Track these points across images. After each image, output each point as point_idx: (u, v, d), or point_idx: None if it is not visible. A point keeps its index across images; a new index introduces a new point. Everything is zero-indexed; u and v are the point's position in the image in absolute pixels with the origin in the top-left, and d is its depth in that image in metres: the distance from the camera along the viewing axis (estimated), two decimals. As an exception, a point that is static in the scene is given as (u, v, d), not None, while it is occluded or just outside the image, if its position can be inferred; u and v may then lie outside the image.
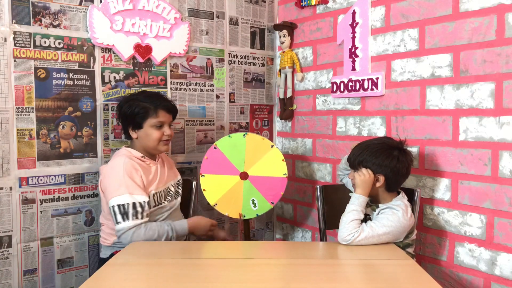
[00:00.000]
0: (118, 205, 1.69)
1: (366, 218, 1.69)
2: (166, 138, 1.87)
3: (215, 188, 2.17)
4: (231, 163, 2.17)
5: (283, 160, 2.15)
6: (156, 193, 1.85)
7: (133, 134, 1.86)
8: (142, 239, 1.69)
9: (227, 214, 2.19)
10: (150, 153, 1.91)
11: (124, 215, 1.69)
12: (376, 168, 1.67)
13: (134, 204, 1.70)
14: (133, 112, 1.82)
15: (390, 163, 1.66)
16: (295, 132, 2.64)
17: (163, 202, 1.88)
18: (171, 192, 1.95)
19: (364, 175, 1.66)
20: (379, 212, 1.67)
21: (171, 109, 1.90)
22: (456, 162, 1.86)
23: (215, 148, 2.18)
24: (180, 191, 2.03)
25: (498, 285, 1.75)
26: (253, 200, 2.16)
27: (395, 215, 1.62)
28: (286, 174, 2.13)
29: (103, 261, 1.81)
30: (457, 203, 1.86)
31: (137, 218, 1.70)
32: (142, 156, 1.86)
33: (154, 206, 1.83)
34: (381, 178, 1.67)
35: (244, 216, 2.18)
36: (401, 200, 1.69)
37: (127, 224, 1.68)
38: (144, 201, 1.73)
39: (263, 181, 2.16)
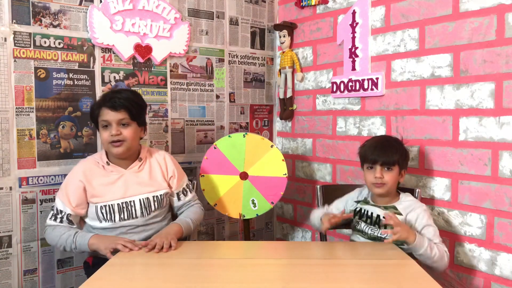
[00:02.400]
0: (54, 204, 1.73)
1: (373, 219, 1.70)
2: (111, 139, 1.67)
3: (215, 188, 2.17)
4: (231, 163, 2.17)
5: (283, 160, 2.15)
6: (105, 206, 1.69)
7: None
8: (50, 238, 1.68)
9: (227, 214, 2.19)
10: (118, 159, 1.75)
11: (49, 213, 1.71)
12: (404, 165, 1.73)
13: (56, 208, 1.69)
14: (90, 111, 1.77)
15: (408, 157, 1.77)
16: (295, 132, 2.64)
17: (115, 220, 1.69)
18: (134, 209, 1.72)
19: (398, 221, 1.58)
20: (407, 214, 1.66)
21: (119, 106, 1.67)
22: (456, 162, 1.86)
23: (215, 148, 2.19)
24: (153, 207, 1.75)
25: (498, 285, 1.75)
26: (253, 200, 2.16)
27: (427, 211, 1.68)
28: (286, 174, 2.13)
29: (86, 264, 1.79)
30: (457, 203, 1.86)
31: (54, 220, 1.68)
32: (107, 162, 1.74)
33: (104, 219, 1.69)
34: (404, 174, 1.74)
35: (244, 216, 2.18)
36: (406, 196, 1.74)
37: (47, 221, 1.71)
38: (64, 212, 1.67)
39: (263, 181, 2.16)
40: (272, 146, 2.17)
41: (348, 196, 1.87)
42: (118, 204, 1.71)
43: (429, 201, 1.95)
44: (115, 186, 1.72)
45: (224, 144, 2.19)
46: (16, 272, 1.89)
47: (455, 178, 1.86)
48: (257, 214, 2.17)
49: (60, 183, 1.95)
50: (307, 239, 2.62)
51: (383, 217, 1.66)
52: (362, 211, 1.75)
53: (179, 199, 1.88)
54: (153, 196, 1.76)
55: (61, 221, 1.67)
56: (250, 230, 2.48)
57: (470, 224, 1.82)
